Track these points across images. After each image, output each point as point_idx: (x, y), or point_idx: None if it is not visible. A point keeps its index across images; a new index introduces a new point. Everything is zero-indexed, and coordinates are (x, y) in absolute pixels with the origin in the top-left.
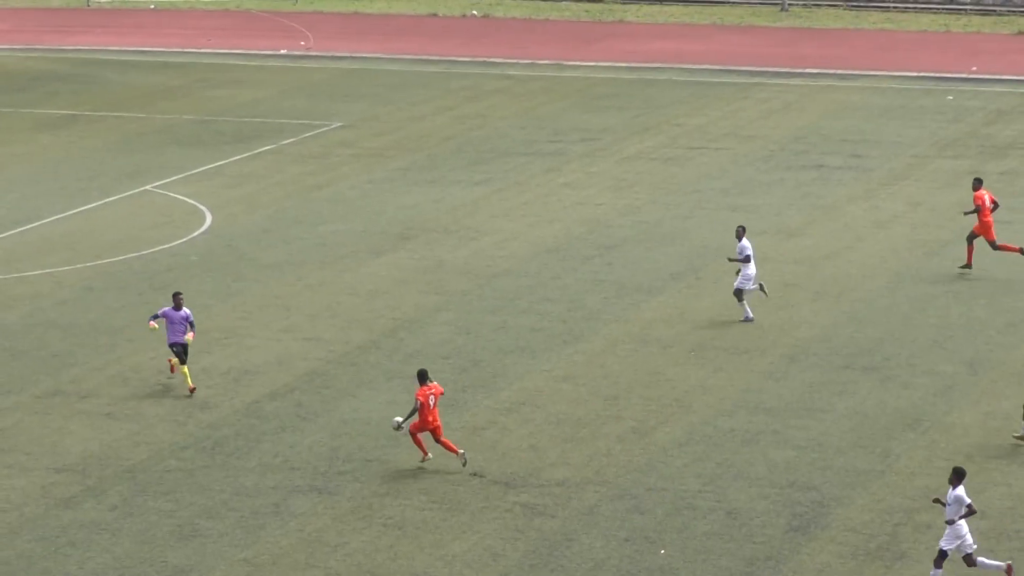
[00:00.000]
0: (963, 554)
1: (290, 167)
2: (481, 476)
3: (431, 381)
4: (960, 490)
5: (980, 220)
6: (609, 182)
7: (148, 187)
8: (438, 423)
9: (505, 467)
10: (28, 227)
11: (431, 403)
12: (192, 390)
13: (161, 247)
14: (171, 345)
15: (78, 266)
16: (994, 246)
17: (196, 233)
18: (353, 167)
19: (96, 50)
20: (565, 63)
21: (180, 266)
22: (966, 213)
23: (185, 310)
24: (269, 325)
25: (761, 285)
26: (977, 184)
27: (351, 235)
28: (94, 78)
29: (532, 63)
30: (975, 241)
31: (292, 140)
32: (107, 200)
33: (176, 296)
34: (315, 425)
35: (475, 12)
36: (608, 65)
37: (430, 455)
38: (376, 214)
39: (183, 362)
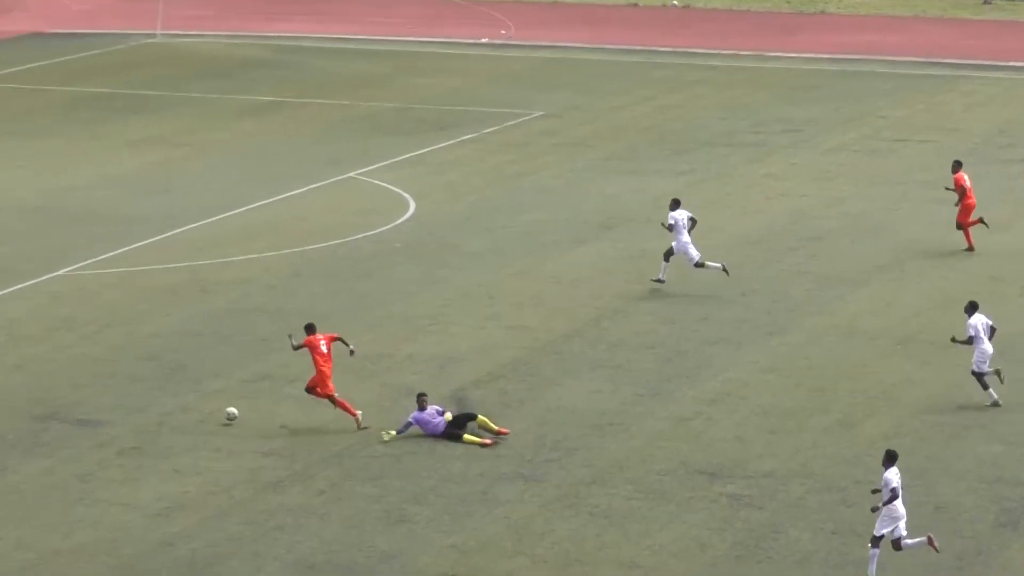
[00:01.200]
0: (893, 539)
1: (492, 156)
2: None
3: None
4: (889, 473)
5: (963, 203)
6: (812, 173)
7: (352, 174)
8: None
9: (711, 457)
10: (233, 213)
11: (323, 347)
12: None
13: (365, 234)
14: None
15: (284, 252)
16: (959, 226)
17: (400, 220)
18: (555, 156)
19: (300, 37)
20: (767, 54)
21: (384, 253)
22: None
23: (431, 408)
24: (473, 313)
25: None
26: (956, 166)
27: (553, 224)
28: (298, 65)
29: (734, 53)
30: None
31: (494, 129)
32: (312, 187)
33: (420, 398)
34: (520, 413)
35: (676, 2)
36: (810, 56)
37: (359, 412)
38: (578, 203)
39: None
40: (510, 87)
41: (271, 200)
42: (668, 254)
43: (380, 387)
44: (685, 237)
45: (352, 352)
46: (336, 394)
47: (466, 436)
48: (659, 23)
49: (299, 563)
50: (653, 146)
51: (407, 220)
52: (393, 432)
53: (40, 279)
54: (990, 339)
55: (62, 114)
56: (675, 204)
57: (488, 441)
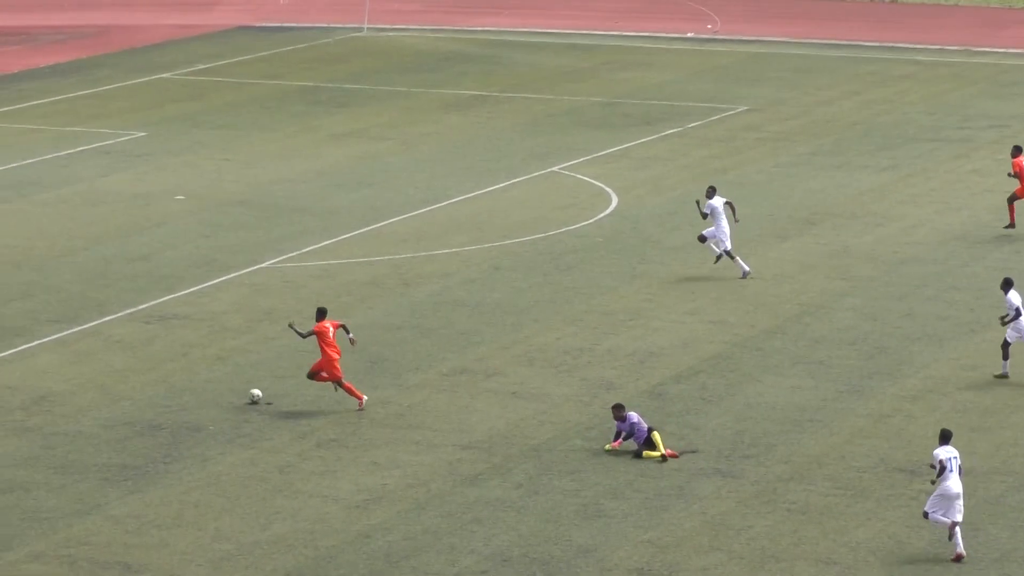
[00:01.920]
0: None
1: (695, 150)
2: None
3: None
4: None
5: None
6: None
7: (555, 168)
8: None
9: (911, 455)
10: (436, 206)
11: (331, 333)
12: None
13: (567, 228)
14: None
15: (485, 245)
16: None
17: (602, 215)
18: (759, 151)
19: (505, 31)
20: (974, 49)
21: (585, 247)
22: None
23: (631, 415)
24: (674, 308)
25: None
26: (1016, 151)
27: (756, 219)
28: (502, 59)
29: (940, 48)
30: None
31: (698, 123)
32: (514, 181)
33: (618, 409)
34: (719, 408)
35: None
36: (1018, 52)
37: (365, 397)
38: (782, 198)
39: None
40: (715, 82)
41: (473, 194)
42: (703, 239)
43: (579, 382)
44: (724, 224)
45: (353, 341)
46: (344, 378)
47: (645, 452)
48: (865, 17)
49: (495, 556)
50: (858, 141)
51: (609, 214)
52: (614, 444)
53: (244, 271)
54: None
55: (268, 108)
56: (711, 191)
57: (672, 452)
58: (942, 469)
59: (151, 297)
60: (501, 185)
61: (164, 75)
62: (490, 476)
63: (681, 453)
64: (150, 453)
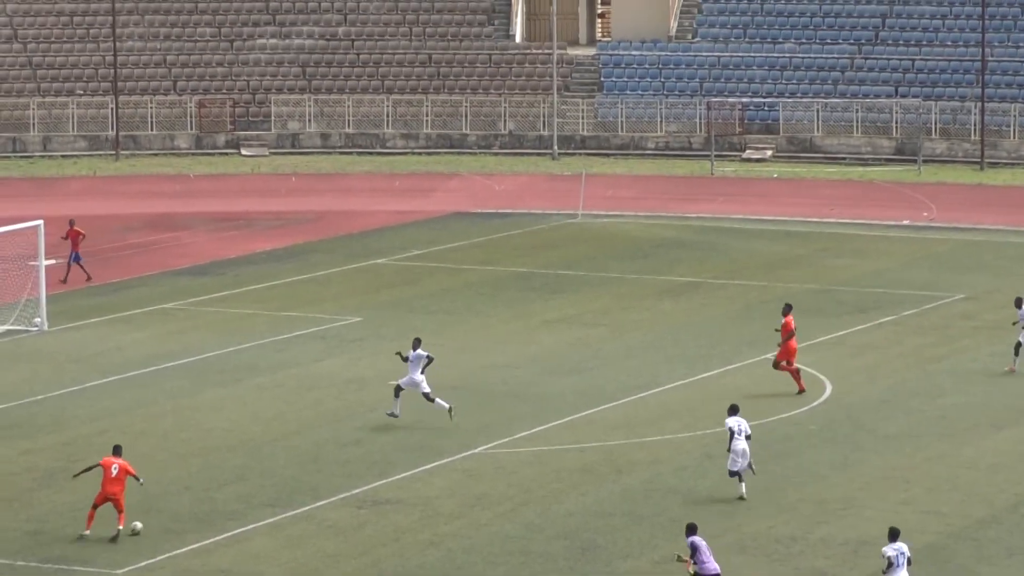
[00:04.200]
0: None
1: (910, 338)
2: None
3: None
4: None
5: None
6: None
7: (769, 355)
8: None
9: None
10: (648, 393)
11: (112, 471)
12: None
13: (780, 415)
14: None
15: (697, 433)
16: None
17: (816, 403)
18: (974, 339)
19: (719, 218)
20: None
21: (799, 435)
22: None
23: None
24: (887, 497)
25: None
26: None
27: (972, 408)
28: (716, 245)
29: None
30: None
31: (913, 311)
32: (727, 368)
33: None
34: None
35: None
36: None
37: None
38: (998, 387)
39: None
40: (931, 269)
41: (685, 381)
42: None
43: (792, 571)
44: None
45: (141, 483)
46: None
47: None
48: None
49: None
50: None
51: (823, 402)
52: None
53: (457, 456)
54: None
55: (482, 294)
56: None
57: None
58: (889, 564)
59: (363, 482)
60: (714, 372)
61: (379, 260)
62: None
63: None
64: None
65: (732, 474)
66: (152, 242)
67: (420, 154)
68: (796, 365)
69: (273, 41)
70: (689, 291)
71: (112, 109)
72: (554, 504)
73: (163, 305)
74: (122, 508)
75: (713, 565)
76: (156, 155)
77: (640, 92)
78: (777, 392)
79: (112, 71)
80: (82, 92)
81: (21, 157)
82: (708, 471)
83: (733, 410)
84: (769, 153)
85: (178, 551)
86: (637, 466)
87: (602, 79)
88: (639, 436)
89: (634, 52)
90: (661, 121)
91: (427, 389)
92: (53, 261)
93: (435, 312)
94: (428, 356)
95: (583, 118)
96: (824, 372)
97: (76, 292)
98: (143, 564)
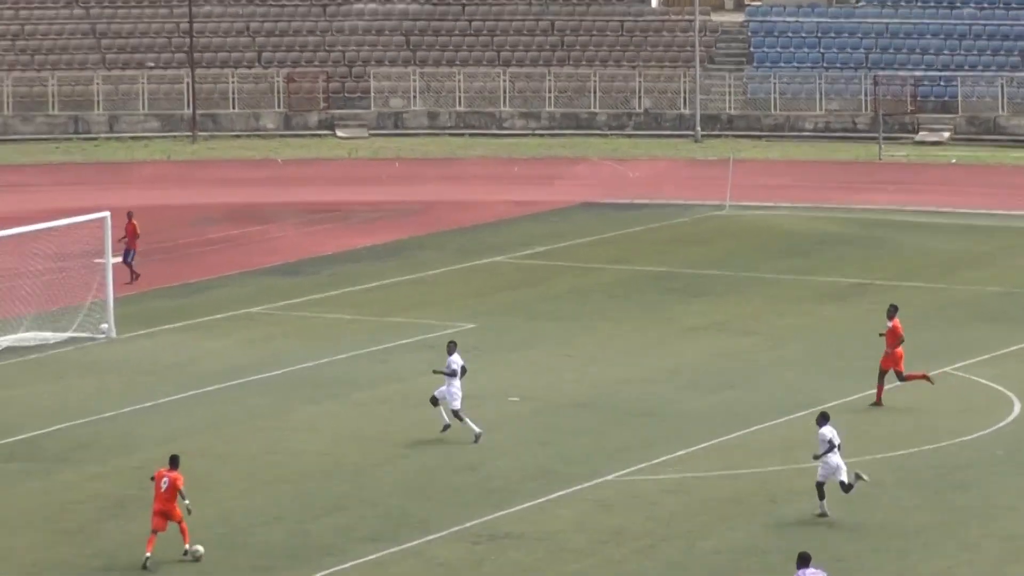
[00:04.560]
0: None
1: None
2: None
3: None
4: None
5: None
6: None
7: (947, 368)
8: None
9: None
10: (808, 412)
11: (162, 485)
12: None
13: (961, 439)
14: None
15: (866, 458)
16: None
17: (1002, 423)
18: None
19: (889, 210)
20: None
21: (983, 461)
22: None
23: None
24: None
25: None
26: None
27: None
28: (886, 242)
29: None
30: None
31: None
32: (898, 383)
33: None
34: None
35: None
36: None
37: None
38: None
39: None
40: None
41: (851, 398)
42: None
43: None
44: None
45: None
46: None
47: None
48: None
49: None
50: None
51: (1010, 423)
52: None
53: (587, 484)
54: None
55: (614, 296)
56: None
57: None
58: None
59: (480, 513)
60: (886, 388)
61: (496, 258)
62: None
63: None
64: None
65: (820, 486)
66: (234, 237)
67: (542, 136)
68: (893, 379)
69: (372, 6)
70: (855, 294)
71: (188, 84)
72: (699, 540)
73: (247, 309)
74: (179, 519)
75: None
76: (238, 137)
77: (796, 64)
78: (959, 409)
79: (188, 40)
80: (153, 64)
81: (84, 139)
82: (879, 501)
83: (824, 418)
84: (946, 135)
85: None
86: (796, 496)
87: (752, 49)
88: (798, 462)
89: (789, 18)
90: (820, 98)
91: (458, 405)
92: (121, 258)
93: (560, 318)
94: (463, 366)
95: (730, 95)
96: (1011, 388)
97: (147, 294)
98: None
